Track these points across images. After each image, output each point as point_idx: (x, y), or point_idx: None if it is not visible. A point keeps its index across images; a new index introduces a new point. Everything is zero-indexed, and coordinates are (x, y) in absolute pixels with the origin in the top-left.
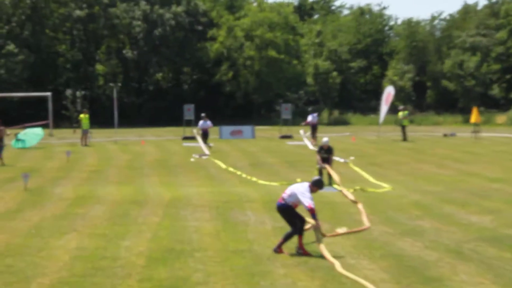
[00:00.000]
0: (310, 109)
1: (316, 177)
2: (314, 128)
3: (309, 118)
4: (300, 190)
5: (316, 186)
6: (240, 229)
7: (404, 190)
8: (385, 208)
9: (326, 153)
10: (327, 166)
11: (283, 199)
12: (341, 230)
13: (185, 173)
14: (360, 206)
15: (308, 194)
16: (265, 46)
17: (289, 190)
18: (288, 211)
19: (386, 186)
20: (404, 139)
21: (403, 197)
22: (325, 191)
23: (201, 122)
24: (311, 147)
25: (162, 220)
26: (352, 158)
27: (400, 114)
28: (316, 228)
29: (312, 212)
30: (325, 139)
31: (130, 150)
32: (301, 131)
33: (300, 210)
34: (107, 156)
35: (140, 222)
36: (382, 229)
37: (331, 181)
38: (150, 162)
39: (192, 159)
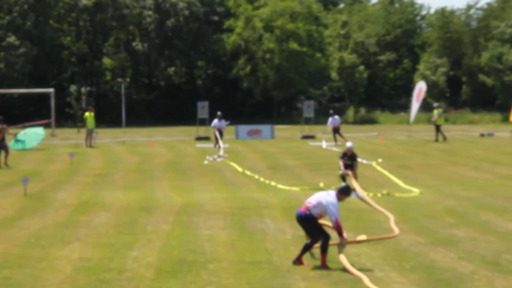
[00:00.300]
0: (331, 111)
1: (343, 183)
2: (336, 130)
3: (330, 120)
4: (328, 200)
5: (344, 193)
6: (257, 238)
7: (437, 196)
8: (415, 215)
9: (349, 160)
10: (350, 173)
11: (307, 209)
12: (360, 238)
13: (198, 176)
14: (387, 213)
15: (337, 206)
16: (286, 38)
17: (314, 199)
18: (311, 223)
19: (415, 191)
20: (436, 140)
21: (435, 203)
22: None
23: (215, 120)
24: (324, 145)
25: (173, 228)
26: (379, 160)
27: (435, 112)
28: (342, 245)
29: (339, 229)
30: (349, 144)
31: (139, 152)
32: (324, 143)
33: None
34: (113, 158)
35: (149, 230)
36: (413, 238)
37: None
38: (161, 164)
39: (206, 162)
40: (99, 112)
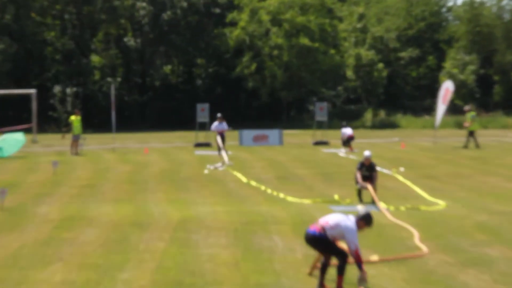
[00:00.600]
0: (343, 123)
1: (364, 210)
2: (350, 139)
3: (343, 131)
4: (347, 225)
5: (365, 222)
6: (264, 257)
7: (467, 209)
8: (443, 231)
9: (368, 171)
10: (369, 186)
11: (323, 229)
12: (373, 258)
13: (197, 188)
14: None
15: (356, 234)
16: (296, 33)
17: (332, 220)
18: (325, 244)
19: (441, 204)
20: (466, 146)
21: (465, 218)
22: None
23: (215, 123)
24: (342, 153)
25: (169, 247)
26: (401, 169)
27: (468, 116)
28: (363, 279)
29: (359, 261)
30: (366, 153)
31: (131, 160)
32: (342, 150)
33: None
34: (102, 168)
35: (141, 249)
36: (440, 257)
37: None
38: (155, 174)
39: (206, 171)
40: (87, 115)
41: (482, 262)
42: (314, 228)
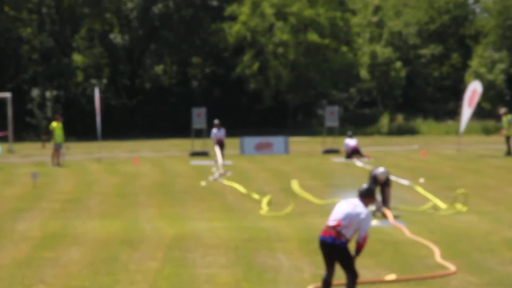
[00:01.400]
0: (349, 133)
1: (364, 185)
2: (355, 151)
3: (346, 142)
4: (361, 212)
5: (369, 196)
6: (268, 278)
7: (494, 224)
8: (467, 248)
9: (381, 188)
10: (387, 213)
11: (339, 233)
12: (390, 277)
13: (193, 201)
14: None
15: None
16: (304, 28)
17: (344, 217)
18: (345, 253)
19: (458, 207)
20: (509, 152)
21: (492, 233)
22: (381, 225)
23: (214, 130)
24: (359, 163)
25: (163, 267)
26: (421, 180)
27: (505, 120)
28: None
29: (363, 247)
30: (381, 169)
31: (119, 171)
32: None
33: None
34: (87, 180)
35: (132, 269)
36: (464, 277)
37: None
38: (147, 187)
39: (203, 183)
40: (69, 121)
41: (511, 282)
42: (329, 233)
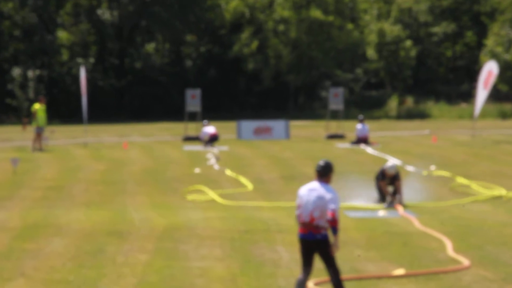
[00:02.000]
0: (360, 117)
1: (320, 162)
2: (363, 141)
3: (358, 127)
4: (323, 196)
5: (329, 172)
6: (266, 271)
7: (509, 216)
8: (481, 241)
9: (391, 182)
10: (400, 210)
11: (317, 227)
12: (398, 272)
13: (186, 190)
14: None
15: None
16: (306, 4)
17: (311, 206)
18: (327, 247)
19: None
20: None
21: (507, 225)
22: (389, 216)
23: (204, 129)
24: (371, 150)
25: (153, 259)
26: (432, 167)
27: None
28: (336, 245)
29: (335, 224)
30: (390, 164)
31: (106, 157)
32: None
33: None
34: (72, 166)
35: (120, 262)
36: (477, 272)
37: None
38: (136, 174)
39: (197, 170)
40: (52, 103)
41: None
42: (308, 230)
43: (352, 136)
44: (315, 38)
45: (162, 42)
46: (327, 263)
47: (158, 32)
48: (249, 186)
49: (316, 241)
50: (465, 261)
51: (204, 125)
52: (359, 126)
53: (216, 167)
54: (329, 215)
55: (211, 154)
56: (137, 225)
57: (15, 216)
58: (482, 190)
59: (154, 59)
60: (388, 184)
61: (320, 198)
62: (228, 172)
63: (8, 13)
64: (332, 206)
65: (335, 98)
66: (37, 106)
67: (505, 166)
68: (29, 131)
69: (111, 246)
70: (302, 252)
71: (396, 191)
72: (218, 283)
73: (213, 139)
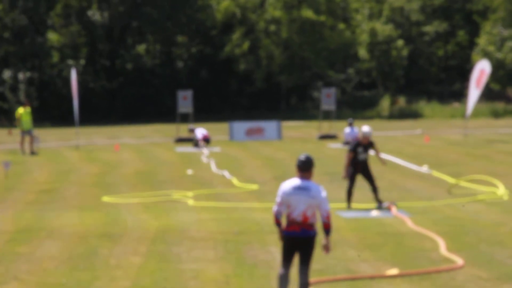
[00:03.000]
0: (349, 120)
1: (301, 156)
2: None
3: (346, 132)
4: (316, 196)
5: (311, 167)
6: (260, 273)
7: (503, 214)
8: (474, 240)
9: (365, 152)
10: (394, 210)
11: (311, 225)
12: (391, 272)
13: (179, 191)
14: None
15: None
16: (298, 4)
17: (303, 205)
18: (314, 243)
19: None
20: None
21: (501, 224)
22: (384, 216)
23: (197, 131)
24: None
25: (146, 262)
26: (425, 167)
27: None
28: (328, 247)
29: (329, 226)
30: (365, 128)
31: (99, 159)
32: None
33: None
34: (64, 169)
35: (113, 264)
36: (471, 271)
37: (378, 200)
38: (128, 176)
39: (189, 172)
40: (43, 105)
41: None
42: (300, 227)
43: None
44: (306, 38)
45: (153, 43)
46: (305, 261)
47: (149, 33)
48: (254, 186)
49: (309, 237)
50: (459, 261)
51: (189, 130)
52: (347, 129)
53: (214, 168)
54: (325, 218)
55: (205, 155)
56: (130, 228)
57: (8, 219)
58: (482, 188)
59: (145, 60)
60: (360, 159)
61: (313, 198)
62: (232, 177)
63: None
64: (327, 207)
65: (327, 98)
66: (21, 111)
67: (498, 165)
68: (15, 135)
69: (104, 248)
70: (286, 249)
71: (375, 187)
72: (212, 285)
73: (206, 140)
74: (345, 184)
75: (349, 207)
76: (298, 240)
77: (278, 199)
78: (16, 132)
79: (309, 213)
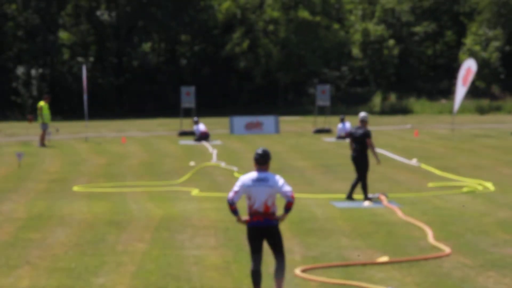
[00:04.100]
0: (342, 117)
1: (258, 150)
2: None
3: (339, 127)
4: (273, 185)
5: (268, 160)
6: None
7: (488, 205)
8: (460, 230)
9: (358, 140)
10: (384, 201)
11: (273, 214)
12: (382, 259)
13: (182, 182)
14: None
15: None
16: (294, 5)
17: (264, 196)
18: (279, 231)
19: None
20: None
21: (486, 214)
22: (375, 207)
23: (195, 127)
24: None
25: (150, 248)
26: (414, 160)
27: None
28: (283, 219)
29: (292, 204)
30: (362, 114)
31: (106, 151)
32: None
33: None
34: (74, 160)
35: (119, 250)
36: (457, 259)
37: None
38: (134, 167)
39: (192, 163)
40: (55, 100)
41: (504, 264)
42: (263, 217)
43: None
44: (303, 38)
45: (158, 41)
46: (277, 249)
47: (154, 32)
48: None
49: (272, 226)
50: (446, 249)
51: (194, 121)
52: (339, 125)
53: (214, 160)
54: (290, 197)
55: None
56: (135, 216)
57: (21, 207)
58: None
59: (151, 58)
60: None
61: (271, 187)
62: (232, 169)
63: (11, 14)
64: (288, 188)
65: (322, 94)
66: (42, 104)
67: (483, 159)
68: (35, 126)
69: (111, 235)
70: (253, 240)
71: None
72: (213, 271)
73: (203, 137)
74: (339, 176)
75: (366, 198)
76: (263, 230)
77: (235, 188)
78: (36, 124)
79: (269, 202)
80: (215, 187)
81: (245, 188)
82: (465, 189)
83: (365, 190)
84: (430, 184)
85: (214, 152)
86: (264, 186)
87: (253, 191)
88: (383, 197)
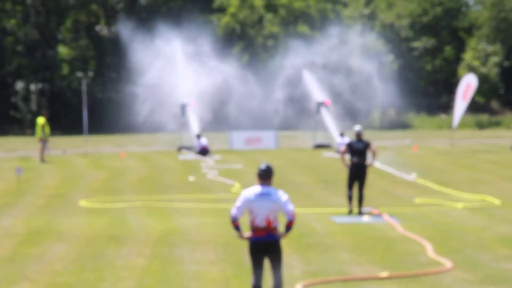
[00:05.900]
0: (341, 131)
1: (261, 165)
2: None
3: (338, 141)
4: (277, 200)
5: (272, 175)
6: None
7: (487, 220)
8: (460, 245)
9: (360, 153)
10: (385, 216)
11: (275, 229)
12: (382, 274)
13: (181, 197)
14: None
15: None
16: (294, 20)
17: (266, 211)
18: (280, 247)
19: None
20: None
21: (485, 229)
22: (375, 222)
23: (200, 141)
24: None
25: (150, 263)
26: (413, 175)
27: None
28: (284, 236)
29: (293, 223)
30: (358, 127)
31: (106, 166)
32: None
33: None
34: (73, 175)
35: (119, 265)
36: (457, 274)
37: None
38: (134, 182)
39: (191, 178)
40: (54, 115)
41: (505, 279)
42: (265, 232)
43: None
44: None
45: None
46: (276, 266)
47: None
48: None
49: (274, 241)
50: (447, 263)
51: (196, 135)
52: (338, 139)
53: (211, 176)
54: (291, 216)
55: (208, 165)
56: (134, 231)
57: (20, 222)
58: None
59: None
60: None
61: (274, 202)
62: (232, 184)
63: (11, 29)
64: (291, 207)
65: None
66: (42, 121)
67: (482, 174)
68: (34, 142)
69: (110, 250)
70: (254, 255)
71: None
72: (212, 286)
73: (203, 152)
74: (339, 191)
75: (350, 212)
76: (265, 244)
77: (238, 203)
78: (34, 140)
79: (271, 217)
80: (215, 202)
81: (247, 202)
82: (459, 205)
83: (361, 202)
84: (418, 201)
85: (214, 173)
86: (267, 200)
87: (255, 205)
88: (375, 211)
